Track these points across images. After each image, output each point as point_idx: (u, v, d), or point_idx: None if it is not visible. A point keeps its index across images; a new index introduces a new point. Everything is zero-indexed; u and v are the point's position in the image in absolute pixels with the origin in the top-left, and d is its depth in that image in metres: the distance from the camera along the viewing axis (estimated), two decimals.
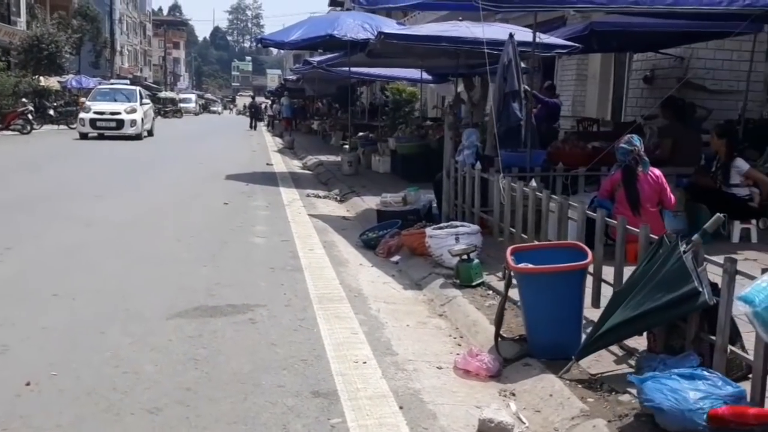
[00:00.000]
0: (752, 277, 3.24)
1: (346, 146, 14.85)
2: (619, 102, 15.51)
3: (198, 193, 11.22)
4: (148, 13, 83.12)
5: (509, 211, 6.02)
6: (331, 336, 4.61)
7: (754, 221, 6.64)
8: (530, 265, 4.16)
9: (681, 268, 3.49)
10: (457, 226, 6.21)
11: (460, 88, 13.28)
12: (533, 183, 5.70)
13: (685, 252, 3.54)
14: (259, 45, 14.71)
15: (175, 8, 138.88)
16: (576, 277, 4.07)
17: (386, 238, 7.07)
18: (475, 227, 6.17)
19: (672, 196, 6.10)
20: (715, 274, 3.56)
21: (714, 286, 3.52)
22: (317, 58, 17.42)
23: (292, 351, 4.32)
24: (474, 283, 5.56)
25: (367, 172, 13.85)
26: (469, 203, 6.94)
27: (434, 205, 8.02)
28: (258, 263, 6.55)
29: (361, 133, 16.38)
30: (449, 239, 6.00)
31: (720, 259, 3.48)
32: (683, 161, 7.28)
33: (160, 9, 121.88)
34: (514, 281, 4.41)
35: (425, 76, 16.40)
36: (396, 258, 6.80)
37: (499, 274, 5.80)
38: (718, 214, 3.66)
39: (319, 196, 11.23)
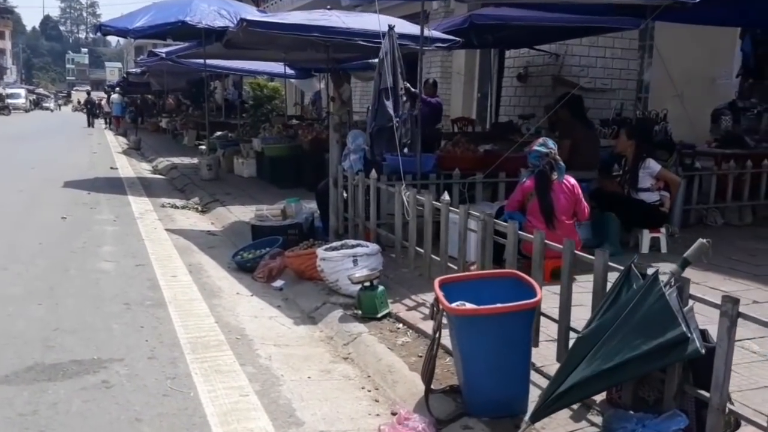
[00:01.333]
0: (756, 321, 2.65)
1: (203, 147, 13.56)
2: (484, 100, 15.23)
3: (29, 205, 9.66)
4: None
5: (415, 228, 5.23)
6: (213, 401, 3.63)
7: (663, 230, 6.25)
8: (469, 305, 3.35)
9: (664, 309, 2.86)
10: (353, 246, 5.32)
11: (323, 84, 12.42)
12: (446, 197, 4.91)
13: (667, 287, 2.89)
14: (98, 34, 13.12)
15: None
16: (526, 317, 3.32)
17: (266, 259, 6.08)
18: (375, 247, 5.31)
19: (586, 207, 5.56)
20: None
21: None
22: (165, 49, 15.96)
23: (165, 429, 3.30)
24: (379, 315, 4.73)
25: (229, 176, 12.62)
26: (363, 216, 6.09)
27: (317, 216, 7.08)
28: (109, 298, 5.37)
29: (219, 133, 15.11)
30: (346, 262, 5.11)
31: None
32: (583, 164, 6.74)
33: None
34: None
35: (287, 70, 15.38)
36: (279, 283, 5.83)
37: (406, 302, 5.01)
38: (701, 239, 3.03)
39: (177, 207, 9.91)
